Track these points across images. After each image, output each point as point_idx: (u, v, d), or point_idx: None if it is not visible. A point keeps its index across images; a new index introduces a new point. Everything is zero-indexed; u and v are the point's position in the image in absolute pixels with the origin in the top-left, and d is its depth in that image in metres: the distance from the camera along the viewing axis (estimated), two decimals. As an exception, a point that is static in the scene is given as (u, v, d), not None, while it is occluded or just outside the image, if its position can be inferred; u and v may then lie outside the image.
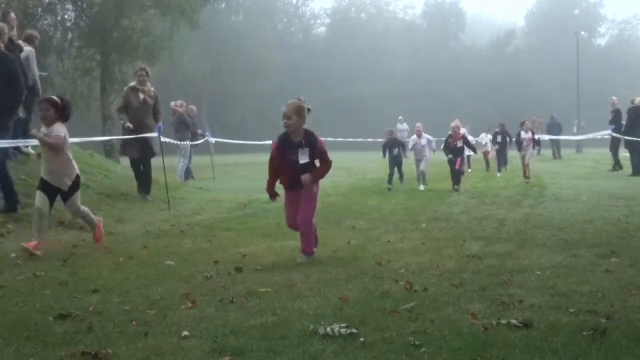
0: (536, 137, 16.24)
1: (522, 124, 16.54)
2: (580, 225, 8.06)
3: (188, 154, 16.45)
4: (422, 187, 14.00)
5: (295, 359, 3.31)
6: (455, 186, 13.50)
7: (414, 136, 14.81)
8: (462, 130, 16.74)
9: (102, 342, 3.59)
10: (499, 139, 19.01)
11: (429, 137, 14.67)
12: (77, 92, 26.67)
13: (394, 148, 14.66)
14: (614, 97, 19.65)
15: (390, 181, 14.30)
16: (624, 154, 18.50)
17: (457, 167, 13.69)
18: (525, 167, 15.67)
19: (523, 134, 16.10)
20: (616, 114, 18.73)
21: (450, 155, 13.85)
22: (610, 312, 4.06)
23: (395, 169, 14.68)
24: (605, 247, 6.43)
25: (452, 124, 14.04)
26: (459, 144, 13.85)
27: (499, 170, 18.38)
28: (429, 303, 4.35)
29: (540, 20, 65.34)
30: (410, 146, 14.75)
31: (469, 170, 18.98)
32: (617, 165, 18.37)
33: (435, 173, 16.28)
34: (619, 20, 67.82)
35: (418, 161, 14.56)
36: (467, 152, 16.12)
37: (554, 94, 54.68)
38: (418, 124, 14.99)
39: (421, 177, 14.32)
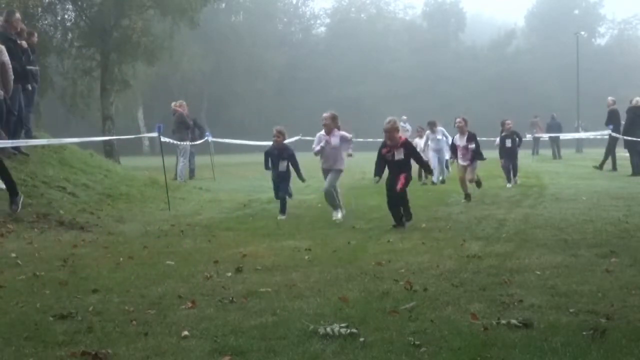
0: (471, 145, 11.50)
1: (455, 121, 12.01)
2: (580, 225, 8.06)
3: (188, 154, 16.45)
4: (339, 216, 9.15)
5: (295, 359, 3.32)
6: (404, 220, 8.45)
7: (321, 133, 9.51)
8: (430, 136, 14.65)
9: (102, 342, 3.59)
10: (508, 143, 14.64)
11: (344, 134, 9.46)
12: (77, 92, 26.64)
13: (281, 160, 9.84)
14: (610, 98, 19.58)
15: (282, 211, 9.66)
16: (623, 153, 18.48)
17: (398, 186, 8.43)
18: (462, 181, 11.66)
19: (457, 139, 11.75)
20: (611, 114, 18.68)
21: (377, 177, 8.74)
22: (610, 312, 4.07)
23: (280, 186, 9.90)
24: (605, 247, 6.43)
25: (386, 125, 8.53)
26: (398, 155, 8.48)
27: (509, 181, 14.46)
28: (429, 303, 4.35)
29: (540, 20, 65.24)
30: (316, 148, 9.51)
31: (448, 174, 15.87)
32: (611, 165, 18.33)
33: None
34: (619, 20, 67.75)
35: (326, 172, 9.47)
36: (447, 155, 12.23)
37: (554, 94, 54.60)
38: (325, 114, 9.50)
39: (335, 197, 9.27)
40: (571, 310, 4.12)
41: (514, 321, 3.80)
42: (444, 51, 60.69)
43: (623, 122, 18.20)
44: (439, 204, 11.08)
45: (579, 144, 35.72)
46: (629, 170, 16.76)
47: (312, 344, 3.50)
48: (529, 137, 26.37)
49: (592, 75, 52.78)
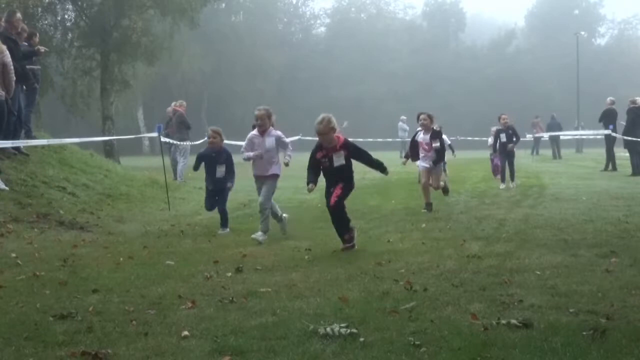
0: (447, 141, 10.03)
1: (418, 117, 10.29)
2: (580, 225, 8.05)
3: (188, 154, 16.46)
4: (259, 236, 7.31)
5: (295, 359, 3.32)
6: (345, 246, 6.70)
7: (253, 133, 7.90)
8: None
9: (102, 342, 3.59)
10: (502, 137, 13.51)
11: (280, 135, 7.88)
12: (77, 92, 26.69)
13: (218, 165, 8.47)
14: (609, 98, 19.56)
15: (224, 225, 8.39)
16: (623, 153, 18.48)
17: (332, 200, 6.70)
18: (424, 188, 10.05)
19: (419, 136, 10.17)
20: (606, 113, 18.66)
21: (311, 185, 6.74)
22: (610, 312, 4.07)
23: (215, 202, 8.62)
24: (605, 247, 6.43)
25: (317, 126, 6.78)
26: (338, 160, 6.76)
27: (503, 180, 13.52)
28: (429, 303, 4.35)
29: (540, 20, 65.31)
30: (250, 154, 7.83)
31: (446, 179, 12.10)
32: (610, 166, 18.31)
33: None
34: (619, 20, 67.91)
35: (259, 179, 7.89)
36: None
37: (554, 94, 54.67)
38: (258, 111, 7.76)
39: (269, 215, 7.65)
40: (571, 310, 4.12)
41: (514, 321, 3.80)
42: (444, 51, 60.74)
43: (622, 122, 18.23)
44: (439, 204, 11.06)
45: (579, 144, 35.75)
46: (629, 170, 16.77)
47: (312, 344, 3.50)
48: (529, 137, 26.39)
49: (592, 75, 52.87)
